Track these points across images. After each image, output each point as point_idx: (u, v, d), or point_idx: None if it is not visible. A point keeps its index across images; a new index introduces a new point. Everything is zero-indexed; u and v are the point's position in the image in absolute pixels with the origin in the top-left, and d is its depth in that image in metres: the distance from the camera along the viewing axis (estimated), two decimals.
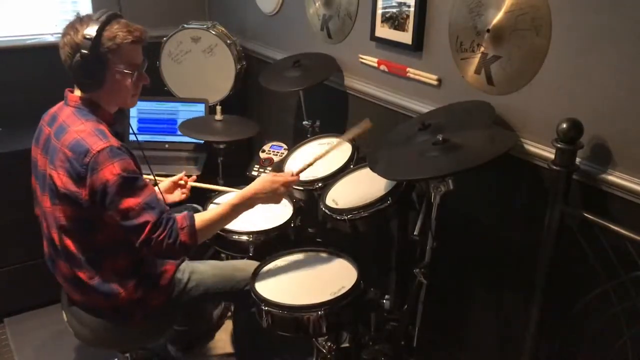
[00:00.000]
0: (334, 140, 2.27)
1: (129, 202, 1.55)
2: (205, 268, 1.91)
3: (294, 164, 2.23)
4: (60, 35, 1.63)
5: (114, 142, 1.58)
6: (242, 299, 1.86)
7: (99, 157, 1.53)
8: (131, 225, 1.56)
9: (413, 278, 1.76)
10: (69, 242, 1.65)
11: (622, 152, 1.43)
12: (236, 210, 1.75)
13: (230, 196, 1.86)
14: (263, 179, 1.82)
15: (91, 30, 1.57)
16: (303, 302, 1.65)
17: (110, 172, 1.53)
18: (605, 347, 1.52)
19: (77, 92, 1.67)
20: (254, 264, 1.90)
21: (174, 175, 2.13)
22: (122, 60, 1.63)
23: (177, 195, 2.09)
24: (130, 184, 1.57)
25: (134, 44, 1.64)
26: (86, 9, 2.93)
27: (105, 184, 1.53)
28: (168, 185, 2.08)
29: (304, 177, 2.10)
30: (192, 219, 1.65)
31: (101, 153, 1.53)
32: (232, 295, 1.93)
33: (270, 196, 1.80)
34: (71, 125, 1.60)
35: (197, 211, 2.14)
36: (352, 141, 2.14)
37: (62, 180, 1.58)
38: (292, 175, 1.88)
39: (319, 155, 1.93)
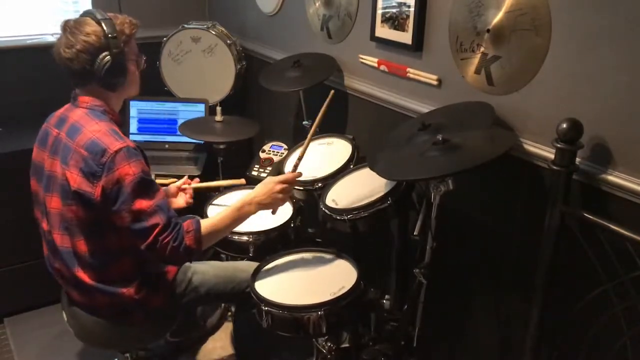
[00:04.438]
0: (332, 140, 2.27)
1: (142, 203, 1.55)
2: (207, 269, 1.91)
3: (291, 164, 2.22)
4: (56, 43, 1.62)
5: (130, 142, 1.59)
6: (243, 300, 1.86)
7: (116, 157, 1.54)
8: (140, 228, 1.56)
9: (413, 278, 1.76)
10: (78, 243, 1.65)
11: (622, 152, 1.43)
12: (241, 215, 1.75)
13: (233, 201, 1.85)
14: (263, 182, 1.82)
15: (109, 29, 1.58)
16: (303, 302, 1.65)
17: (127, 172, 1.54)
18: (605, 347, 1.52)
19: (89, 95, 1.67)
20: (255, 265, 1.90)
21: (174, 175, 2.13)
22: (132, 50, 1.69)
23: (183, 200, 2.09)
24: (146, 185, 1.57)
25: (135, 33, 1.69)
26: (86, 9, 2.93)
27: (120, 184, 1.54)
28: (172, 191, 2.08)
29: (303, 176, 2.10)
30: (198, 224, 1.65)
31: (118, 153, 1.54)
32: (233, 297, 1.93)
33: (271, 198, 1.79)
34: (85, 125, 1.61)
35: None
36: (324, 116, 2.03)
37: (76, 180, 1.57)
38: (291, 172, 1.87)
39: (305, 146, 1.90)
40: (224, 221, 1.73)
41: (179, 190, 2.10)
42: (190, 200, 2.10)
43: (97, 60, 1.58)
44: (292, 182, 1.84)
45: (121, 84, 1.67)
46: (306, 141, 1.92)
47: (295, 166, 1.89)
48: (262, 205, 1.78)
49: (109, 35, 1.58)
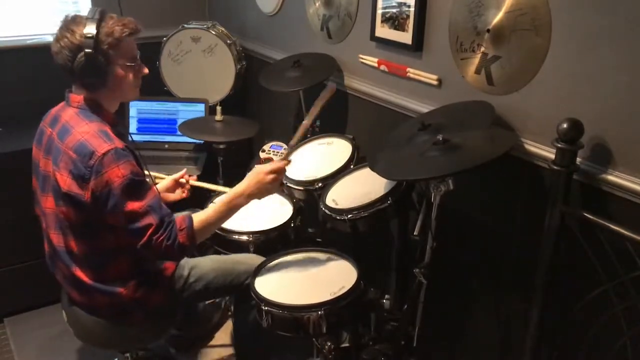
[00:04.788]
0: (332, 140, 2.27)
1: (134, 205, 1.55)
2: (205, 263, 1.92)
3: (294, 164, 2.22)
4: (54, 40, 1.62)
5: (118, 143, 1.58)
6: (242, 292, 1.86)
7: (104, 160, 1.53)
8: (134, 228, 1.56)
9: (413, 278, 1.76)
10: (72, 243, 1.65)
11: (622, 152, 1.43)
12: (232, 207, 1.74)
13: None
14: (253, 173, 1.79)
15: (90, 29, 1.58)
16: (303, 302, 1.65)
17: (116, 174, 1.53)
18: (605, 347, 1.52)
19: (79, 93, 1.67)
20: (254, 257, 1.90)
21: (174, 174, 2.13)
22: (122, 54, 1.65)
23: (178, 194, 2.08)
24: (136, 186, 1.57)
25: (130, 36, 1.66)
26: (86, 8, 2.93)
27: (109, 187, 1.53)
28: (169, 184, 2.07)
29: (303, 177, 2.10)
30: (191, 221, 1.65)
31: (106, 156, 1.53)
32: (232, 289, 1.93)
33: (262, 186, 1.77)
34: (75, 126, 1.60)
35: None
36: (322, 108, 2.00)
37: (66, 182, 1.57)
38: (281, 160, 1.84)
39: (299, 135, 1.89)
40: (216, 215, 1.72)
41: (176, 182, 2.10)
42: (185, 195, 2.10)
43: (76, 59, 1.58)
44: (281, 171, 1.81)
45: (100, 86, 1.64)
46: (300, 130, 1.89)
47: (286, 154, 1.88)
48: (252, 196, 1.77)
49: (86, 35, 1.57)
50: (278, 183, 1.82)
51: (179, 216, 1.66)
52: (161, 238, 1.58)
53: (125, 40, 1.64)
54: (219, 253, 2.15)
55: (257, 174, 1.78)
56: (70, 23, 1.60)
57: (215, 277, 1.88)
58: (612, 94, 1.42)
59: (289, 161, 1.87)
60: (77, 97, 1.66)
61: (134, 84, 1.72)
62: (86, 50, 1.57)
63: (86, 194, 1.55)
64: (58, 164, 1.60)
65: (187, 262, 1.88)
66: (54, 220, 1.66)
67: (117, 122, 1.73)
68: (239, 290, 1.90)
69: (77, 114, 1.64)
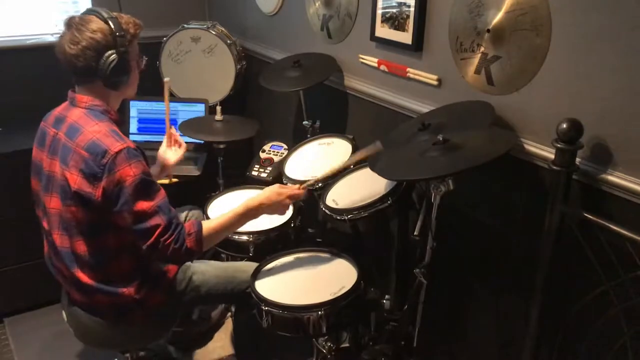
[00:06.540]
0: (332, 140, 2.27)
1: (143, 204, 1.56)
2: (207, 269, 1.92)
3: (294, 164, 2.23)
4: (59, 40, 1.62)
5: (130, 143, 1.59)
6: (243, 300, 1.87)
7: (117, 159, 1.54)
8: (142, 228, 1.57)
9: (413, 278, 1.76)
10: (77, 244, 1.65)
11: (622, 152, 1.43)
12: (242, 219, 1.77)
13: (232, 201, 1.86)
14: (269, 190, 1.83)
15: (116, 27, 1.59)
16: (303, 302, 1.65)
17: (127, 173, 1.54)
18: (605, 347, 1.52)
19: (85, 94, 1.67)
20: (256, 265, 1.90)
21: (174, 175, 2.15)
22: (135, 51, 1.70)
23: (178, 153, 2.16)
24: (146, 186, 1.58)
25: (139, 33, 1.70)
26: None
27: (121, 185, 1.54)
28: (163, 150, 2.14)
29: (303, 177, 2.10)
30: (200, 226, 1.66)
31: (119, 154, 1.54)
32: (233, 297, 1.94)
33: (276, 207, 1.81)
34: (85, 125, 1.61)
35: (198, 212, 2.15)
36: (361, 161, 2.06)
37: (76, 181, 1.57)
38: (298, 188, 1.87)
39: (327, 173, 1.91)
40: (226, 224, 1.73)
41: (168, 143, 2.15)
42: (182, 151, 2.16)
43: (102, 58, 1.58)
44: (297, 199, 1.87)
45: (124, 83, 1.68)
46: (330, 170, 1.91)
47: (308, 185, 1.89)
48: (264, 212, 1.81)
49: (117, 34, 1.58)
50: (288, 208, 1.88)
51: (188, 221, 1.67)
52: (169, 240, 1.58)
53: (137, 37, 1.68)
54: (219, 253, 2.15)
55: (278, 193, 1.81)
56: (87, 23, 1.60)
57: (217, 284, 1.89)
58: (612, 94, 1.42)
59: (309, 192, 1.90)
60: (83, 97, 1.66)
61: (138, 79, 1.76)
62: (120, 48, 1.58)
63: (97, 192, 1.55)
64: (67, 162, 1.60)
65: (189, 267, 1.88)
66: (59, 221, 1.66)
67: (122, 122, 1.75)
68: (240, 298, 1.90)
69: (85, 114, 1.64)
